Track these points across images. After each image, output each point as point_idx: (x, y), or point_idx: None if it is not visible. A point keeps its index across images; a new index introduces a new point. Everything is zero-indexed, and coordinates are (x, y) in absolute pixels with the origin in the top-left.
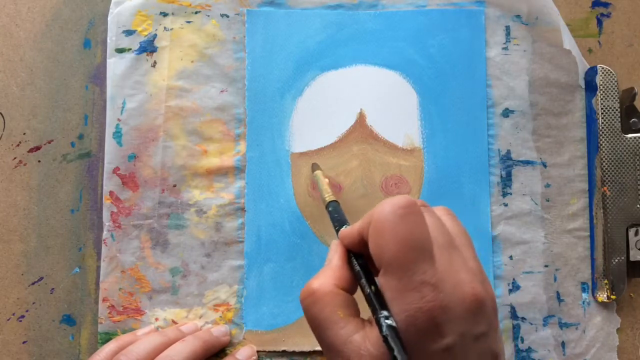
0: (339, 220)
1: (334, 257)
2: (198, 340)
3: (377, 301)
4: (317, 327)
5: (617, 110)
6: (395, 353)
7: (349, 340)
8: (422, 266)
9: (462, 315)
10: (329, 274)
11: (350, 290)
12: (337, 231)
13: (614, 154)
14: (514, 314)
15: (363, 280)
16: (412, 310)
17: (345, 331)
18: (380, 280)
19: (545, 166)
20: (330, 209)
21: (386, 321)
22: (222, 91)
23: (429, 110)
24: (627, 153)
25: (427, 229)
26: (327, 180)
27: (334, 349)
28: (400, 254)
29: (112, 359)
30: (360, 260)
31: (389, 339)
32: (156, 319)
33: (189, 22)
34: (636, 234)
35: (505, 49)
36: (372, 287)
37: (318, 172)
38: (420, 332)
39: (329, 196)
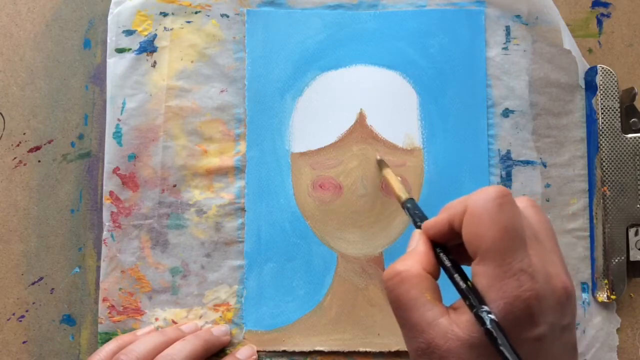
0: (420, 216)
1: (419, 244)
2: (198, 340)
3: (475, 295)
4: (401, 308)
5: (617, 110)
6: (501, 348)
7: (435, 323)
8: (520, 254)
9: (553, 306)
10: (416, 258)
11: (435, 276)
12: (419, 227)
13: (614, 154)
14: None
15: (457, 275)
16: (511, 298)
17: (432, 313)
18: (474, 268)
19: (545, 166)
20: (409, 205)
21: (489, 315)
22: (222, 91)
23: (429, 110)
24: (627, 153)
25: (522, 219)
26: (399, 178)
27: (418, 330)
28: (499, 241)
29: (111, 359)
30: (450, 255)
31: (494, 332)
32: (156, 319)
33: (189, 22)
34: (636, 234)
35: (505, 49)
36: (469, 282)
37: (388, 170)
38: (517, 321)
39: (404, 194)
